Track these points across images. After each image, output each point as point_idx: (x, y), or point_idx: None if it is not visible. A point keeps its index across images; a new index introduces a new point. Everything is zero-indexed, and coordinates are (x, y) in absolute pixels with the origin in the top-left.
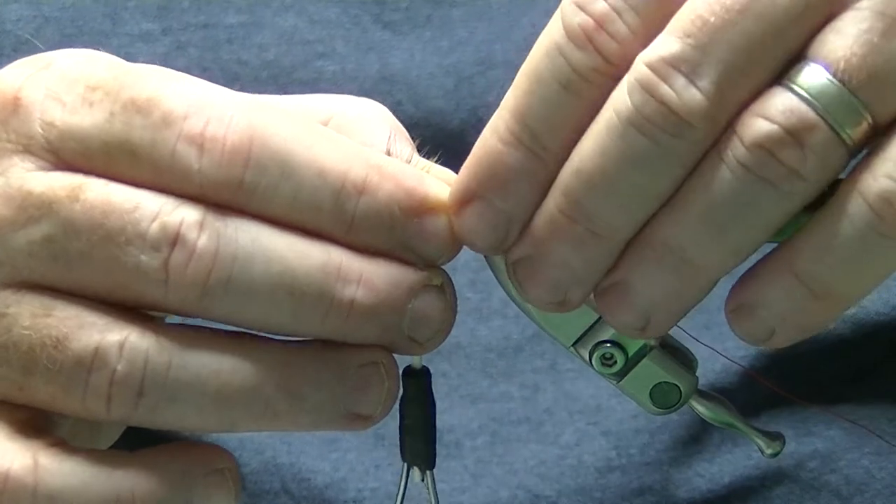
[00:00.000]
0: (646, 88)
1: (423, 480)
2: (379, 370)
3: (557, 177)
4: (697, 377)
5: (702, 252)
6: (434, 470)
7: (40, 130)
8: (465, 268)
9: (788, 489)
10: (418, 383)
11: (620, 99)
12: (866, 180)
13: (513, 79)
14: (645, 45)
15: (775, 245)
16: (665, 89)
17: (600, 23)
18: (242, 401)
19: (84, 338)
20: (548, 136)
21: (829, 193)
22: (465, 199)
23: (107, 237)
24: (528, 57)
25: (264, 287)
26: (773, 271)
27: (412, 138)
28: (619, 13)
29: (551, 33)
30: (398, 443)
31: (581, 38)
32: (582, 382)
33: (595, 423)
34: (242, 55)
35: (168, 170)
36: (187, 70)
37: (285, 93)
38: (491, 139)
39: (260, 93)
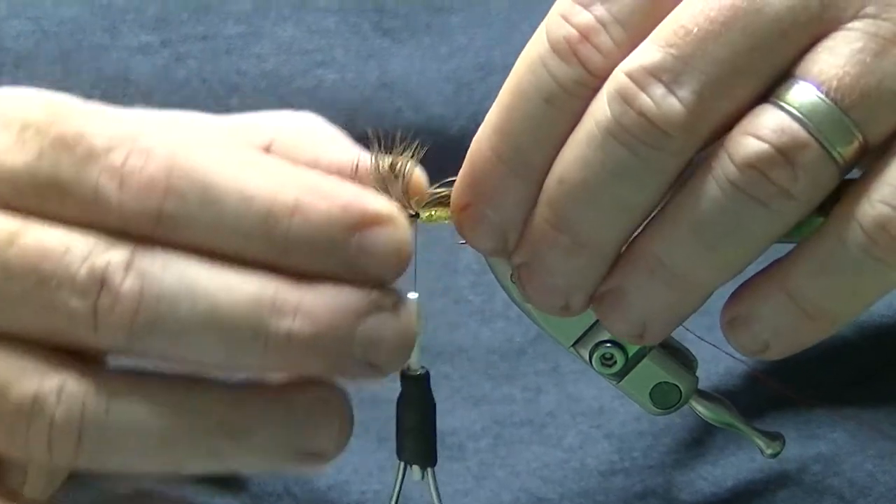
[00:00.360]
0: (624, 98)
1: (422, 479)
2: (328, 406)
3: (543, 187)
4: (697, 377)
5: (693, 268)
6: (434, 468)
7: None
8: (468, 270)
9: (791, 492)
10: (416, 386)
11: (600, 109)
12: (862, 205)
13: None
14: None
15: (783, 244)
16: (644, 98)
17: (585, 35)
18: (184, 444)
19: (24, 384)
20: (531, 152)
21: (836, 197)
22: (461, 205)
23: (40, 282)
24: (512, 71)
25: (192, 326)
26: (767, 288)
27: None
28: (604, 25)
29: (535, 46)
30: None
31: (565, 51)
32: (584, 385)
33: (598, 426)
34: (242, 66)
35: (93, 205)
36: (187, 81)
37: (285, 102)
38: (477, 152)
39: (260, 103)
